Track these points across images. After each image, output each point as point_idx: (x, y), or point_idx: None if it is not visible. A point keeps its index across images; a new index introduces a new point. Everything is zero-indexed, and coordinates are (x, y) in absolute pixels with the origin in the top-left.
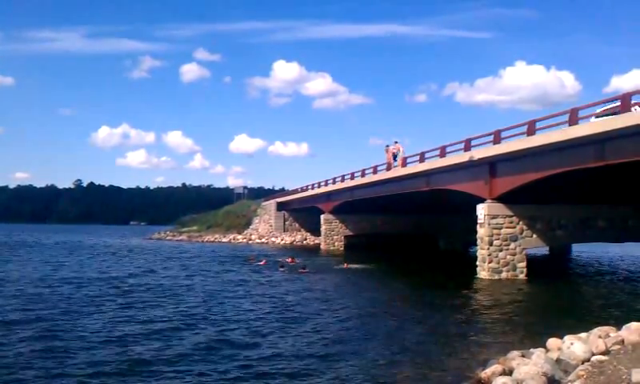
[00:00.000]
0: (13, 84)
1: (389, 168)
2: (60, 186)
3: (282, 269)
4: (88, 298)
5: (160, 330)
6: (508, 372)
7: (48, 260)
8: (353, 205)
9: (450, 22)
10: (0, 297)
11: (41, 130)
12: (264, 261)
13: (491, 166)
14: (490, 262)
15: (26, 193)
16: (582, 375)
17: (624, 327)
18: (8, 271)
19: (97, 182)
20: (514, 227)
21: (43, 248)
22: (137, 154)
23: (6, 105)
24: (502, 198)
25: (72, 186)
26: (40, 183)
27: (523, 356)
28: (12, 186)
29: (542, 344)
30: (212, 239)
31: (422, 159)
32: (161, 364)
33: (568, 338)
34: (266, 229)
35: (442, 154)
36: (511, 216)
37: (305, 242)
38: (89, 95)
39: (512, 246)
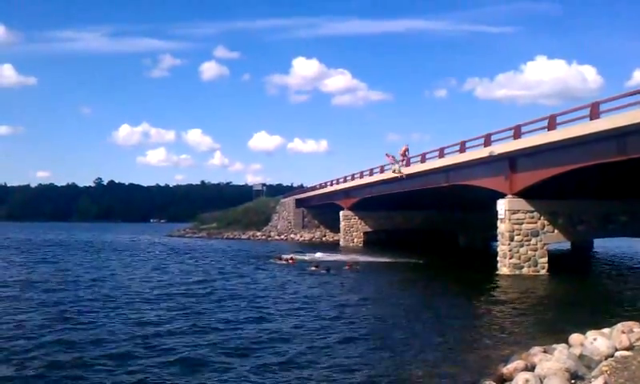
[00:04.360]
0: (35, 84)
1: (407, 164)
2: (81, 185)
3: (314, 268)
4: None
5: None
6: (530, 368)
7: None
8: (372, 201)
9: (471, 17)
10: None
11: (62, 128)
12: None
13: (511, 161)
14: (510, 258)
15: (47, 191)
16: (606, 371)
17: None
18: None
19: (117, 181)
20: (535, 222)
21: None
22: (157, 152)
23: (28, 104)
24: (523, 194)
25: (92, 185)
26: (61, 182)
27: (545, 352)
28: (33, 184)
29: (565, 339)
30: (231, 236)
31: (442, 155)
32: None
33: (591, 334)
34: (285, 225)
35: (462, 150)
36: (532, 211)
37: (324, 238)
38: (109, 94)
39: (533, 241)
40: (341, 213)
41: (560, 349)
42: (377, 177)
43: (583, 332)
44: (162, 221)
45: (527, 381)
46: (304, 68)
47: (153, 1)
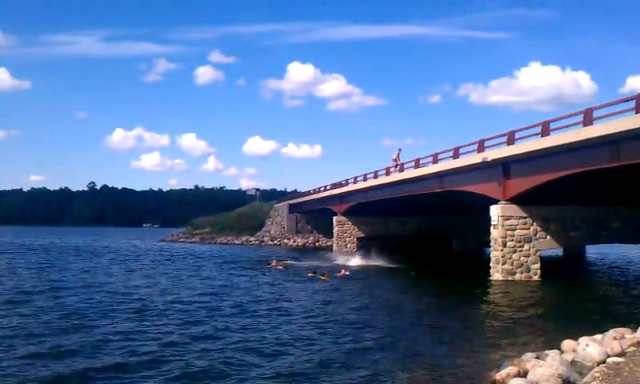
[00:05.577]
0: (29, 88)
1: (401, 170)
2: (74, 189)
3: (311, 274)
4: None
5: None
6: (523, 374)
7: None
8: (365, 206)
9: (466, 23)
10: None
11: (56, 132)
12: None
13: (505, 167)
14: (503, 264)
15: (40, 195)
16: (598, 377)
17: None
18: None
19: (110, 185)
20: (528, 228)
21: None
22: (151, 156)
23: (23, 108)
24: (516, 199)
25: (86, 189)
26: (54, 186)
27: (538, 358)
28: (26, 188)
29: (557, 346)
30: (225, 241)
31: (435, 160)
32: None
33: (583, 340)
34: (279, 231)
35: (456, 155)
36: (525, 217)
37: (317, 243)
38: (104, 98)
39: (526, 247)
40: (334, 218)
41: (552, 355)
42: (371, 182)
43: (575, 338)
44: (156, 225)
45: None
46: (299, 73)
47: (148, 5)
